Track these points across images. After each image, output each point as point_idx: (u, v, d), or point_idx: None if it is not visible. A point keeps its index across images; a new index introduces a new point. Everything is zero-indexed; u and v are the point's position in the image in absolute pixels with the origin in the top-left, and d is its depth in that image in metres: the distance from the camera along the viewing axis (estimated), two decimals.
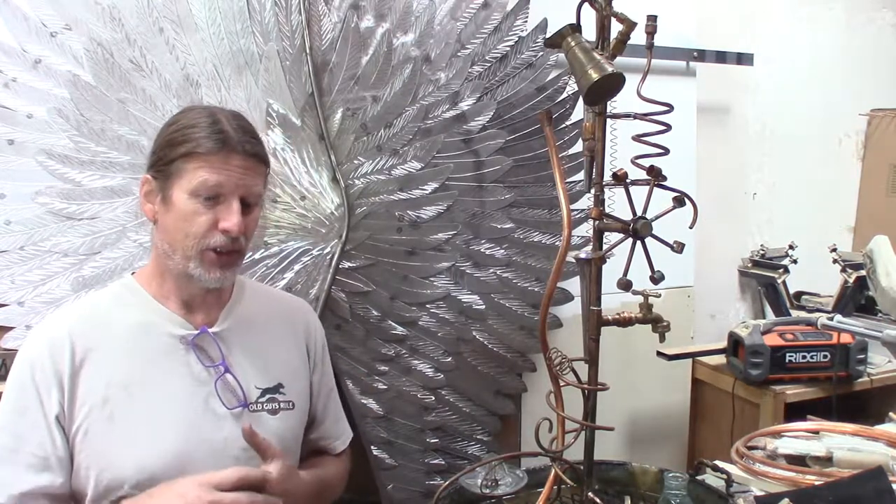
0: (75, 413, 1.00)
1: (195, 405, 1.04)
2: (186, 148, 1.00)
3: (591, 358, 1.05)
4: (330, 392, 1.27)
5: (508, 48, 1.75)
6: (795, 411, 1.75)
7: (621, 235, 1.00)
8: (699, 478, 1.19)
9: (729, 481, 1.16)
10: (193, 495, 0.92)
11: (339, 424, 1.28)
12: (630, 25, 0.97)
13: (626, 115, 1.04)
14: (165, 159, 1.02)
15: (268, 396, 1.11)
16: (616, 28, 0.99)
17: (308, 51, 1.58)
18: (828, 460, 1.26)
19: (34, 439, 0.99)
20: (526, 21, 1.76)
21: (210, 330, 1.08)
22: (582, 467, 1.08)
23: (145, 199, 1.06)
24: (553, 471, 1.06)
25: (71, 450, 1.01)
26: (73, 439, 1.00)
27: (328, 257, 1.65)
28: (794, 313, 2.25)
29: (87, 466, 1.00)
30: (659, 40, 1.04)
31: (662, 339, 1.07)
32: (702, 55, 2.15)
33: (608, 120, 1.03)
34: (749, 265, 2.45)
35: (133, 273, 1.13)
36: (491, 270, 1.81)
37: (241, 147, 1.02)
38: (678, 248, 0.96)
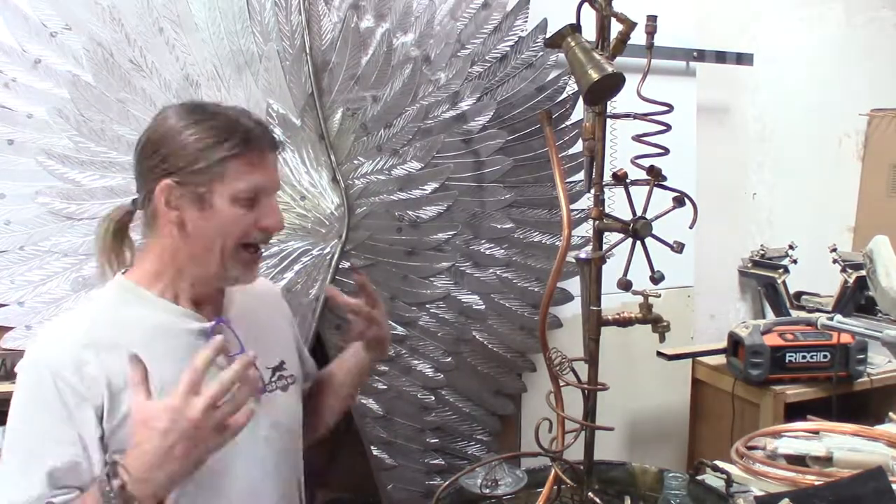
0: (115, 425, 0.95)
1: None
2: (221, 153, 0.97)
3: (591, 358, 1.05)
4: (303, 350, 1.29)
5: (508, 48, 1.75)
6: (795, 411, 1.75)
7: (621, 235, 1.00)
8: (699, 478, 1.19)
9: (729, 481, 1.16)
10: (168, 420, 0.83)
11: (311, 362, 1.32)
12: (630, 25, 0.97)
13: (626, 115, 1.04)
14: (196, 165, 0.98)
15: (277, 374, 1.12)
16: (616, 28, 0.99)
17: (308, 51, 1.58)
18: (828, 460, 1.26)
19: (56, 454, 0.93)
20: (526, 21, 1.76)
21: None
22: (582, 467, 1.08)
23: (168, 207, 0.99)
24: (553, 471, 1.06)
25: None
26: (109, 447, 0.95)
27: (328, 257, 1.65)
28: (794, 313, 2.25)
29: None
30: (659, 40, 1.04)
31: (662, 339, 1.07)
32: (702, 55, 2.15)
33: (608, 120, 1.03)
34: (749, 265, 2.45)
35: (124, 273, 1.06)
36: (491, 270, 1.81)
37: (270, 144, 1.03)
38: (678, 248, 0.96)
